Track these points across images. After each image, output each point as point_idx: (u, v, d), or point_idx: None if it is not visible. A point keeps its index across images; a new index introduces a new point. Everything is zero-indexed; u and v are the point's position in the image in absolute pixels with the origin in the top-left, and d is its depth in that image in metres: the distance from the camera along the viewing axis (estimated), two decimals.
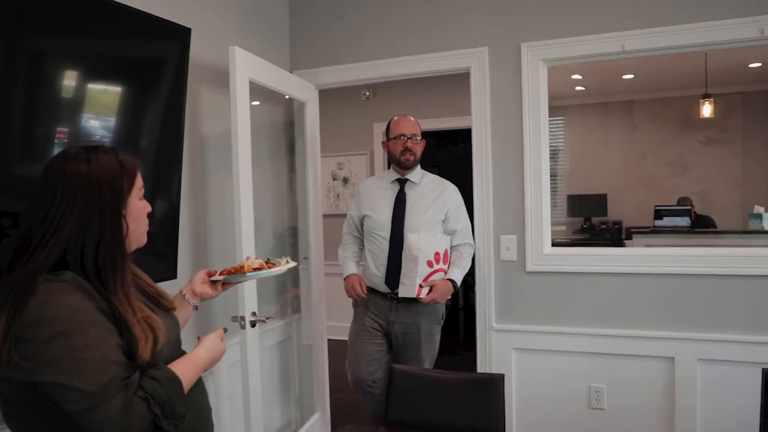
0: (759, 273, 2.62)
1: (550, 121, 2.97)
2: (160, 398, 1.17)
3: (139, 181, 1.33)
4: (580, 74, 6.04)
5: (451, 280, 2.79)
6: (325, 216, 5.91)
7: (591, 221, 7.15)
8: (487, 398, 1.73)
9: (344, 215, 5.89)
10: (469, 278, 8.20)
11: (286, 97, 3.27)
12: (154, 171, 2.13)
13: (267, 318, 2.57)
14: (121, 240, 1.25)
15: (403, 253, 2.74)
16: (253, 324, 2.48)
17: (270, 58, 2.84)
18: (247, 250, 2.45)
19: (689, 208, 5.52)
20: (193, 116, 2.49)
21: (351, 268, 2.95)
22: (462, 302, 7.91)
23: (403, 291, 2.72)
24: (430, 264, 2.70)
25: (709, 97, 5.69)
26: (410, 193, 2.86)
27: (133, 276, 1.35)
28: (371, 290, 2.88)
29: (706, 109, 5.65)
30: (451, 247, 2.86)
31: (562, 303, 2.91)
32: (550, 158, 2.99)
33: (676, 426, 2.74)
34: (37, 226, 1.20)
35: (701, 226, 5.68)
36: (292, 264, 1.77)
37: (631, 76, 6.13)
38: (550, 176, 3.00)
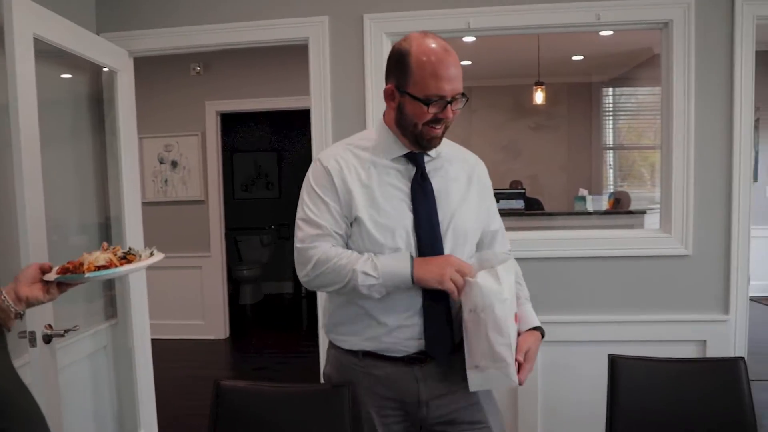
0: (597, 255, 2.70)
1: None
2: None
3: None
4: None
5: (539, 329, 1.60)
6: (151, 204, 5.42)
7: None
8: (330, 413, 1.50)
9: (176, 203, 5.52)
10: None
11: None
12: None
13: (67, 331, 2.09)
14: None
15: (464, 310, 1.48)
16: (48, 339, 2.02)
17: (68, 15, 2.34)
18: (36, 251, 1.98)
19: (523, 191, 5.75)
20: None
21: (397, 255, 1.49)
22: (305, 290, 7.69)
23: (484, 382, 1.49)
24: (516, 319, 1.52)
25: (542, 84, 5.95)
26: (435, 177, 1.59)
27: None
28: (371, 359, 1.58)
29: (539, 96, 5.91)
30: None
31: None
32: None
33: (519, 406, 2.74)
34: None
35: (530, 208, 5.97)
36: (158, 257, 1.43)
37: (469, 63, 6.24)
38: None
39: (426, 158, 1.58)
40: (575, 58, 6.34)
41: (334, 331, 1.64)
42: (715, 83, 2.60)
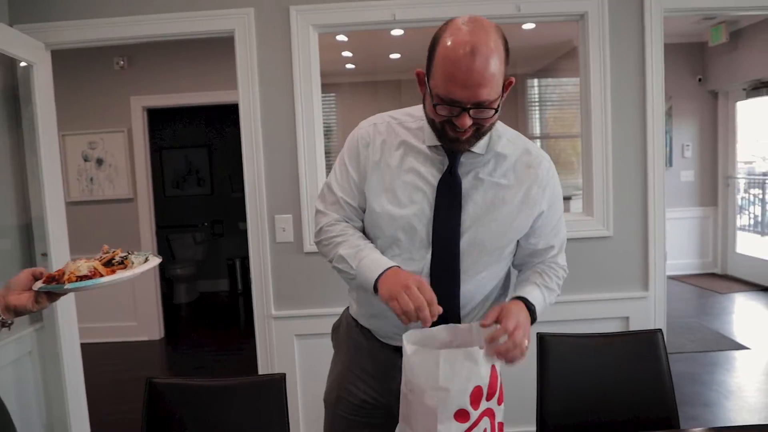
0: None
1: (322, 97, 2.78)
2: None
3: None
4: (350, 51, 6.03)
5: (524, 300, 1.41)
6: (77, 203, 5.22)
7: None
8: (268, 403, 1.51)
9: (102, 202, 5.32)
10: (247, 261, 7.96)
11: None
12: None
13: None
14: None
15: (404, 388, 1.28)
16: None
17: None
18: None
19: None
20: None
21: (382, 259, 1.38)
22: (241, 287, 7.59)
23: None
24: (463, 417, 1.21)
25: None
26: (468, 176, 1.42)
27: None
28: (368, 332, 1.57)
29: None
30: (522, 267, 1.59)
31: (342, 282, 2.79)
32: (324, 135, 2.82)
33: None
34: None
35: None
36: (154, 262, 1.33)
37: (398, 56, 6.29)
38: (325, 154, 2.84)
39: (468, 154, 1.41)
40: None
41: (349, 293, 1.65)
42: (628, 73, 2.74)
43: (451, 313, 1.42)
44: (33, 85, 2.64)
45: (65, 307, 2.81)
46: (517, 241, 1.49)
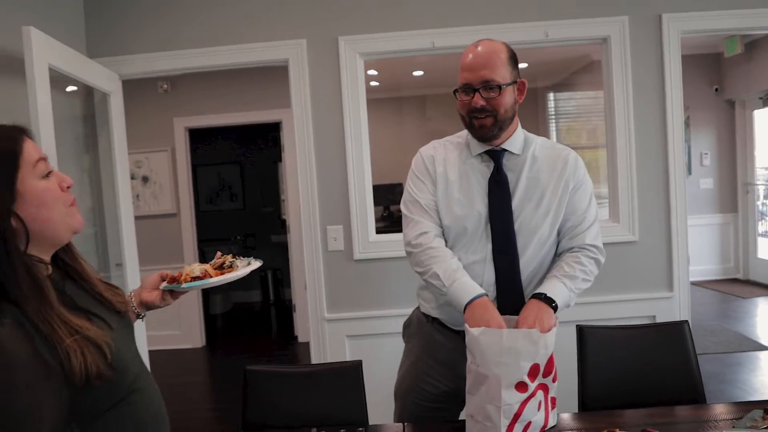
0: None
1: None
2: None
3: (29, 157, 1.04)
4: (375, 69, 6.31)
5: (546, 298, 1.61)
6: None
7: (390, 209, 7.53)
8: (347, 386, 1.75)
9: (148, 217, 5.63)
10: (279, 272, 8.19)
11: (69, 88, 2.93)
12: None
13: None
14: (12, 248, 1.00)
15: (468, 358, 1.52)
16: None
17: (65, 43, 2.52)
18: None
19: None
20: None
21: (473, 286, 1.62)
22: (273, 298, 7.86)
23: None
24: (522, 388, 1.45)
25: None
26: (511, 175, 1.73)
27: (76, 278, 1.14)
28: (437, 325, 1.83)
29: None
30: (559, 253, 1.81)
31: (389, 287, 3.04)
32: None
33: None
34: None
35: None
36: (256, 265, 1.53)
37: (420, 73, 6.55)
38: None
39: (509, 155, 1.74)
40: (521, 65, 6.73)
41: (419, 295, 1.92)
42: (649, 89, 2.97)
43: (514, 290, 1.70)
44: (110, 111, 2.94)
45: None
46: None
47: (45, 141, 2.14)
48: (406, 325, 1.99)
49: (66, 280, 1.15)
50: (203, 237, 7.65)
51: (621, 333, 2.05)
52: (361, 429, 1.54)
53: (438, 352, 1.81)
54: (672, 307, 3.03)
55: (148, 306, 1.47)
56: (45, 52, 2.19)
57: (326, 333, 3.05)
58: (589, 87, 7.09)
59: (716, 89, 6.94)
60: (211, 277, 1.47)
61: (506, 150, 1.73)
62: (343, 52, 2.95)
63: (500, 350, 1.43)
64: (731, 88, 6.84)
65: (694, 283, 6.64)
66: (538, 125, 7.53)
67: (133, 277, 3.05)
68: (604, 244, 2.95)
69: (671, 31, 2.92)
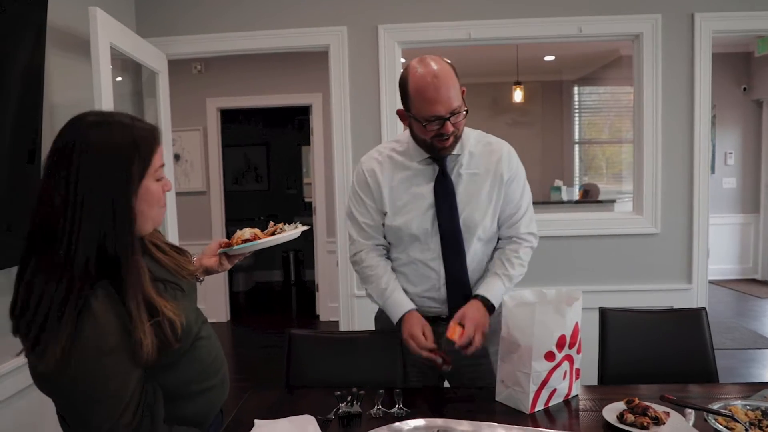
0: (591, 234, 3.15)
1: None
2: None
3: (157, 161, 1.19)
4: (404, 58, 6.40)
5: (483, 299, 1.80)
6: None
7: None
8: (386, 351, 1.88)
9: (179, 194, 5.78)
10: (301, 254, 8.34)
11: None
12: (12, 142, 1.94)
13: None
14: (130, 233, 1.14)
15: (502, 327, 1.65)
16: None
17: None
18: None
19: None
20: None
21: (404, 302, 1.83)
22: (294, 278, 8.04)
23: (507, 398, 1.63)
24: (550, 357, 1.58)
25: (520, 84, 6.40)
26: (453, 174, 1.83)
27: (152, 251, 1.30)
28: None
29: (518, 95, 6.36)
30: (498, 243, 1.94)
31: None
32: None
33: None
34: (57, 217, 1.09)
35: None
36: (300, 230, 1.63)
37: (448, 62, 6.63)
38: None
39: (450, 156, 1.80)
40: (547, 58, 6.80)
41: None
42: (678, 86, 3.06)
43: (462, 284, 1.84)
44: (158, 89, 3.09)
45: None
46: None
47: None
48: (378, 316, 2.05)
49: (144, 254, 1.28)
50: (228, 217, 7.83)
51: (641, 317, 2.16)
52: (398, 389, 1.67)
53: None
54: (689, 299, 3.13)
55: (207, 271, 1.60)
56: (107, 31, 2.33)
57: (355, 309, 3.19)
58: (615, 82, 7.13)
59: (744, 89, 6.95)
60: (259, 239, 1.60)
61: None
62: (382, 40, 3.07)
63: (533, 322, 1.55)
64: (760, 87, 6.84)
65: (712, 282, 6.68)
66: (562, 119, 7.59)
67: None
68: (626, 235, 3.12)
69: (703, 30, 2.99)
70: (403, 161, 1.84)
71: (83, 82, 2.30)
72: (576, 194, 6.82)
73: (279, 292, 7.75)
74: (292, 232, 1.64)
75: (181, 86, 5.65)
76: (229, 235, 6.78)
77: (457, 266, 1.82)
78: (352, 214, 1.91)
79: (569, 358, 1.63)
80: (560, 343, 1.58)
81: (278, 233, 1.69)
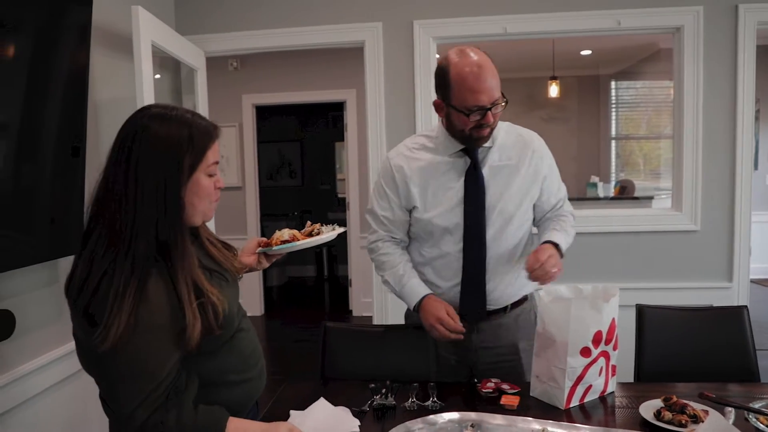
0: (628, 230, 3.11)
1: None
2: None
3: (210, 157, 1.24)
4: (439, 54, 6.38)
5: (554, 243, 1.77)
6: None
7: None
8: (420, 344, 1.89)
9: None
10: (334, 249, 8.41)
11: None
12: (57, 138, 2.00)
13: None
14: (177, 221, 1.20)
15: (538, 322, 1.65)
16: None
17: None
18: None
19: None
20: None
21: (419, 287, 1.84)
22: (327, 273, 8.10)
23: (542, 393, 1.62)
24: (586, 353, 1.57)
25: (556, 79, 6.33)
26: (485, 166, 1.81)
27: (203, 242, 1.36)
28: None
29: (553, 90, 6.28)
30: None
31: None
32: None
33: None
34: (118, 202, 1.16)
35: None
36: (340, 230, 1.67)
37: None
38: None
39: (482, 149, 1.80)
40: (584, 52, 6.69)
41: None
42: (720, 80, 2.98)
43: (478, 282, 1.81)
44: (196, 86, 3.15)
45: None
46: (533, 206, 1.89)
47: None
48: (407, 316, 2.05)
49: (194, 244, 1.33)
50: (263, 212, 7.94)
51: (679, 314, 2.13)
52: (432, 383, 1.68)
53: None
54: (730, 297, 3.06)
55: (245, 269, 1.63)
56: (149, 29, 2.39)
57: (389, 304, 3.20)
58: (654, 76, 6.98)
59: None
60: (298, 240, 1.62)
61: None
62: (417, 35, 3.07)
63: (568, 317, 1.54)
64: None
65: (753, 281, 6.49)
66: (599, 114, 7.47)
67: None
68: (664, 232, 3.06)
69: (747, 21, 2.91)
70: (434, 155, 1.83)
71: (126, 79, 2.36)
72: (612, 191, 6.72)
73: (312, 287, 7.83)
74: (330, 233, 1.67)
75: (217, 83, 5.74)
76: (264, 230, 6.91)
77: (477, 263, 1.80)
78: (374, 206, 1.92)
79: (605, 355, 1.61)
80: (596, 339, 1.57)
81: (315, 234, 1.70)
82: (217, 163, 1.27)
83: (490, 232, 1.80)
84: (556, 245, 1.76)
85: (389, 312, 3.20)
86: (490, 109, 1.67)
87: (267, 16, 3.18)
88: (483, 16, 3.03)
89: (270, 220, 8.07)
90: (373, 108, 3.13)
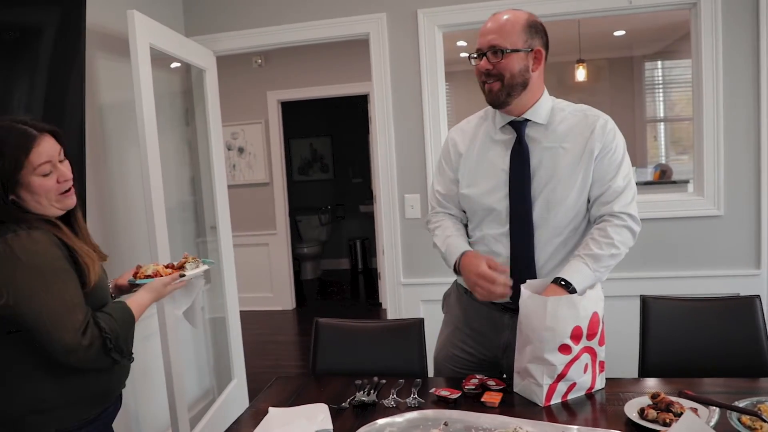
0: (648, 217, 2.94)
1: None
2: (114, 332, 1.36)
3: (35, 160, 1.33)
4: (464, 41, 6.28)
5: (558, 280, 1.60)
6: None
7: None
8: (409, 342, 1.88)
9: (243, 186, 5.99)
10: (367, 242, 8.41)
11: (173, 65, 3.18)
12: None
13: None
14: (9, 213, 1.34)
15: (519, 324, 1.59)
16: None
17: (165, 23, 2.76)
18: (159, 224, 2.43)
19: None
20: (88, 85, 2.40)
21: (460, 245, 1.75)
22: (361, 266, 8.13)
23: (523, 388, 1.60)
24: (566, 350, 1.51)
25: (583, 62, 6.15)
26: (535, 145, 1.72)
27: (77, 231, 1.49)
28: (473, 297, 1.75)
29: (581, 73, 6.11)
30: (591, 222, 1.76)
31: None
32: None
33: None
34: None
35: None
36: (202, 268, 1.70)
37: None
38: None
39: (532, 125, 1.71)
40: (617, 33, 6.47)
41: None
42: (741, 58, 2.83)
43: (528, 263, 1.70)
44: (205, 86, 3.18)
45: (227, 274, 3.36)
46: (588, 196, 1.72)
47: (146, 114, 2.37)
48: (446, 296, 2.04)
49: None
50: (295, 206, 8.02)
51: (685, 305, 2.04)
52: (419, 380, 1.66)
53: (474, 321, 1.85)
54: (759, 284, 2.92)
55: (120, 290, 1.69)
56: (146, 33, 2.42)
57: (402, 297, 3.18)
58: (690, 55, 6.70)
59: None
60: (157, 276, 1.63)
61: (529, 120, 1.71)
62: (422, 24, 3.02)
63: (544, 315, 1.49)
64: None
65: None
66: (633, 97, 7.22)
67: (225, 239, 3.32)
68: (685, 217, 2.93)
69: None
70: (487, 129, 1.81)
71: (127, 83, 2.40)
72: (649, 175, 6.50)
73: (346, 280, 7.87)
74: (194, 271, 1.68)
75: (242, 80, 5.84)
76: (297, 225, 6.88)
77: (526, 244, 1.69)
78: (434, 182, 1.95)
79: (590, 351, 1.56)
80: (575, 335, 1.51)
81: (177, 266, 1.70)
82: (48, 162, 1.35)
83: (537, 213, 1.69)
84: (566, 284, 1.58)
85: (402, 305, 3.18)
86: (485, 54, 1.65)
87: (274, 12, 3.18)
88: (490, 1, 2.95)
89: (303, 215, 8.15)
90: (381, 99, 3.11)
